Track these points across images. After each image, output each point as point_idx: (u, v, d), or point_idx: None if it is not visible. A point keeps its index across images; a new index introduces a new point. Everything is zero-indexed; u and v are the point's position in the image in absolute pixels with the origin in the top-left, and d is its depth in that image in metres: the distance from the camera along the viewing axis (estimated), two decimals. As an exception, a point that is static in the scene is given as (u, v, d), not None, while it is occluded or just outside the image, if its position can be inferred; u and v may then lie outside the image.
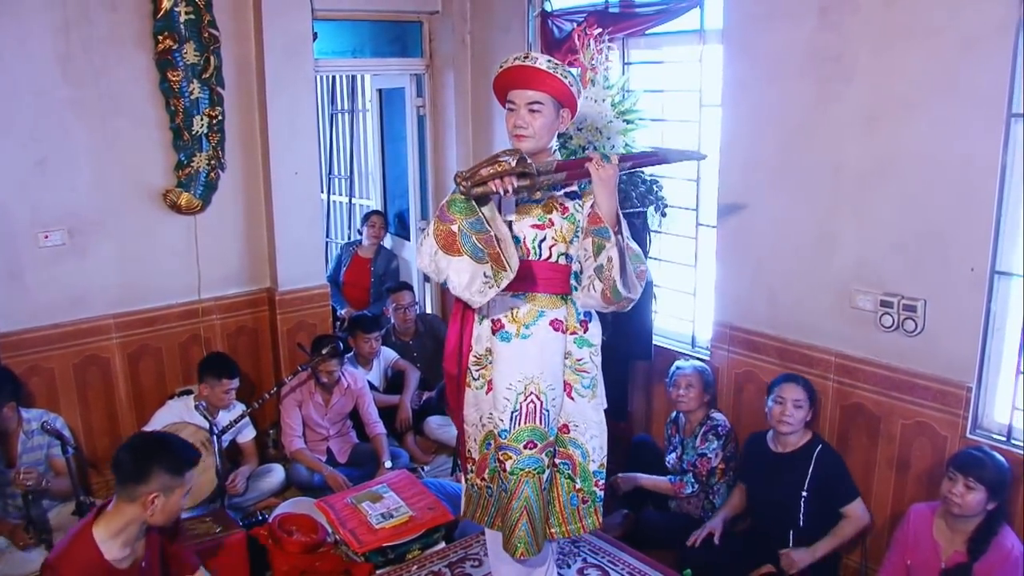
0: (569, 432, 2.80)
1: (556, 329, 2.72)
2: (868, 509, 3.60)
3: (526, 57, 2.63)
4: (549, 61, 2.63)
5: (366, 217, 6.24)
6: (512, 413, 2.69)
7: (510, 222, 2.66)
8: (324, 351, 4.48)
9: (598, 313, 2.79)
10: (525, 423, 2.69)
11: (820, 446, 3.59)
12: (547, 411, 2.71)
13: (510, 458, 2.69)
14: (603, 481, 2.87)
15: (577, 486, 2.82)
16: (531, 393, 2.69)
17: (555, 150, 2.75)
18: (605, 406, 2.87)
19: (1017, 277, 3.17)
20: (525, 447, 2.69)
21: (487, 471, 2.85)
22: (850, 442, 3.68)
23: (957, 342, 3.30)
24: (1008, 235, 3.17)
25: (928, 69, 3.22)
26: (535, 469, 2.71)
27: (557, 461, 2.80)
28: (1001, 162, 3.09)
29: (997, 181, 3.10)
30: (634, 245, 2.67)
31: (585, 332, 2.77)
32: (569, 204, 2.68)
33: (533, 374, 2.69)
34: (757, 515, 3.81)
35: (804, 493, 3.53)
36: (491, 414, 2.76)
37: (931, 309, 3.35)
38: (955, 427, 3.32)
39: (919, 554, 3.17)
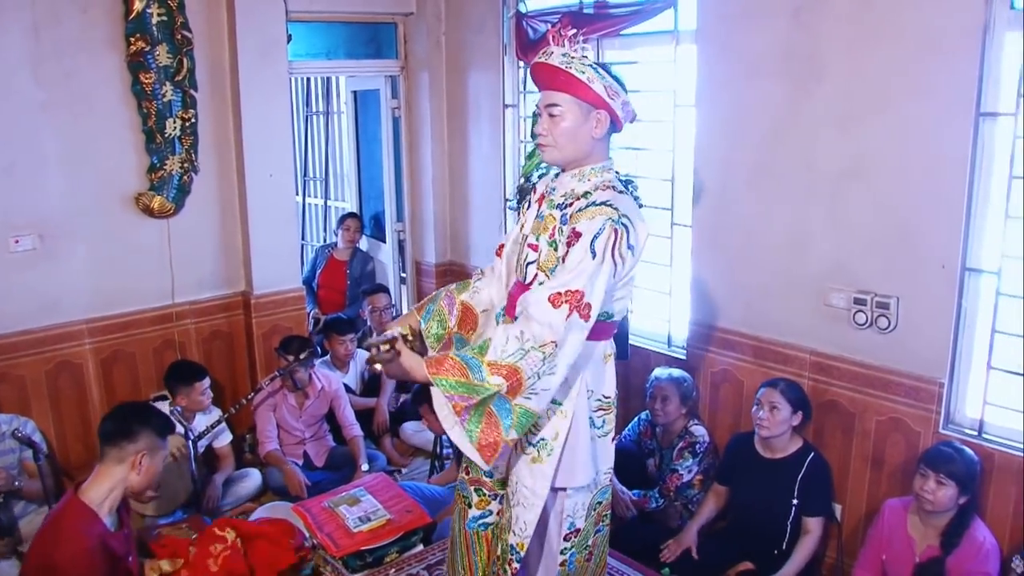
0: (507, 487, 2.51)
1: None
2: (841, 513, 3.66)
3: (543, 52, 2.33)
4: (565, 55, 2.29)
5: (341, 220, 6.22)
6: None
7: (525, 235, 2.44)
8: (302, 355, 4.46)
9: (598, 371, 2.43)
10: None
11: (812, 454, 3.59)
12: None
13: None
14: (517, 564, 2.46)
15: (498, 552, 2.55)
16: None
17: (604, 168, 2.38)
18: (562, 484, 2.41)
19: (987, 273, 3.21)
20: (464, 470, 2.64)
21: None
22: (825, 439, 3.71)
23: (929, 338, 3.33)
24: (977, 232, 3.21)
25: (899, 69, 3.26)
26: (464, 496, 2.64)
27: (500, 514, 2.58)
28: (970, 160, 3.13)
29: (966, 179, 3.14)
30: (468, 391, 2.13)
31: None
32: (558, 229, 2.33)
33: None
34: (741, 517, 3.78)
35: (795, 500, 3.54)
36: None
37: (903, 306, 3.38)
38: (928, 423, 3.36)
39: (894, 549, 3.20)
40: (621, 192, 2.33)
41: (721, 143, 3.93)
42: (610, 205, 2.24)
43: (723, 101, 3.89)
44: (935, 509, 3.05)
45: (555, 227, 2.33)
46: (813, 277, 3.66)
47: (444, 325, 2.59)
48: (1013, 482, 3.14)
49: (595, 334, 2.34)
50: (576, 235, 2.21)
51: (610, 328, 2.44)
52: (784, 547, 3.54)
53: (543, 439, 2.38)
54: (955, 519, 3.06)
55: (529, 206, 2.56)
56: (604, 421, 2.48)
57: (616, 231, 2.20)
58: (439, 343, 2.60)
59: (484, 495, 2.59)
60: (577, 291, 2.15)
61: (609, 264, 2.20)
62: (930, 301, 3.30)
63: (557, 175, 2.49)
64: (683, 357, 4.28)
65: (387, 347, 2.18)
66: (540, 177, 3.44)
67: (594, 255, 2.17)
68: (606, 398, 2.47)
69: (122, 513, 2.86)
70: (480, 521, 2.61)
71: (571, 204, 2.31)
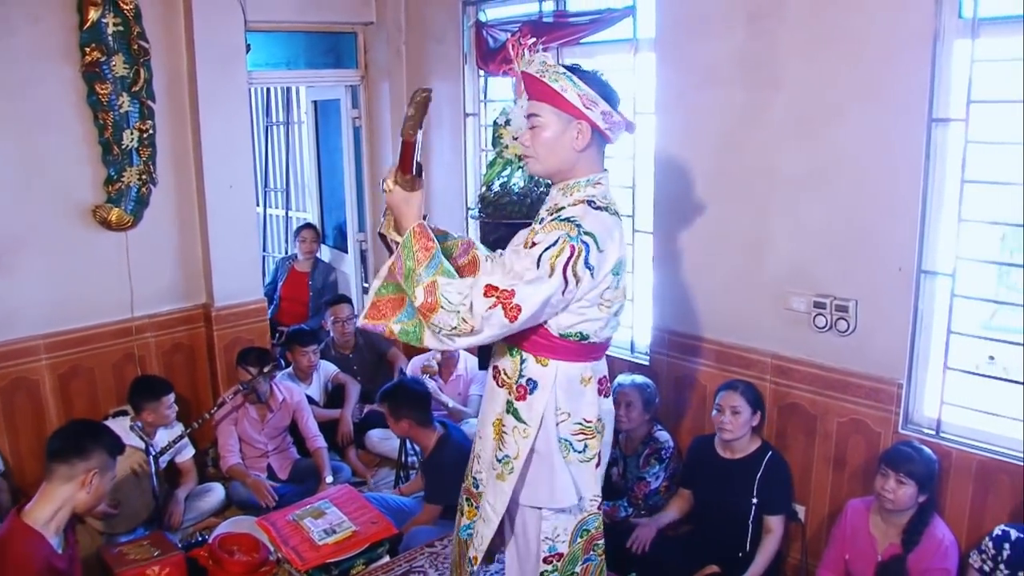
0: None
1: (495, 378, 2.46)
2: (805, 513, 3.71)
3: (524, 60, 2.30)
4: (542, 63, 2.25)
5: (298, 231, 6.19)
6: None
7: None
8: (265, 369, 4.42)
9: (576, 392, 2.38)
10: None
11: (770, 453, 3.63)
12: (473, 454, 2.59)
13: None
14: None
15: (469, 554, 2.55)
16: (477, 429, 2.60)
17: (588, 183, 2.31)
18: (526, 502, 2.41)
19: (942, 276, 3.27)
20: (464, 479, 2.65)
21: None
22: (787, 441, 3.75)
23: (887, 340, 3.39)
24: (932, 235, 3.27)
25: (853, 76, 3.31)
26: (460, 503, 2.65)
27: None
28: (924, 165, 3.19)
29: (921, 184, 3.20)
30: (411, 263, 2.24)
31: (518, 400, 2.35)
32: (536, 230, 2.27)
33: (482, 412, 2.55)
34: (704, 519, 3.80)
35: (754, 500, 3.57)
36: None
37: (862, 309, 3.43)
38: (888, 423, 3.41)
39: (856, 548, 3.24)
40: (598, 209, 2.26)
41: (681, 150, 3.97)
42: (573, 221, 2.19)
43: (682, 108, 3.94)
44: (896, 508, 3.10)
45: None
46: (773, 281, 3.70)
47: (450, 255, 2.53)
48: (970, 480, 3.20)
49: (568, 355, 2.34)
50: (532, 245, 2.20)
51: (587, 350, 2.37)
52: (748, 548, 3.57)
53: (507, 456, 2.36)
54: (915, 517, 3.11)
55: None
56: (586, 446, 2.40)
57: (573, 248, 2.15)
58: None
59: (472, 505, 2.57)
60: (509, 291, 2.14)
61: (558, 280, 2.15)
62: (888, 303, 3.36)
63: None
64: (646, 363, 4.31)
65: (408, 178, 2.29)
66: (502, 186, 3.45)
67: (538, 266, 2.14)
68: (587, 422, 2.39)
69: (68, 533, 2.80)
70: (468, 531, 2.60)
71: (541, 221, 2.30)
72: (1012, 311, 3.44)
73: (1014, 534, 2.90)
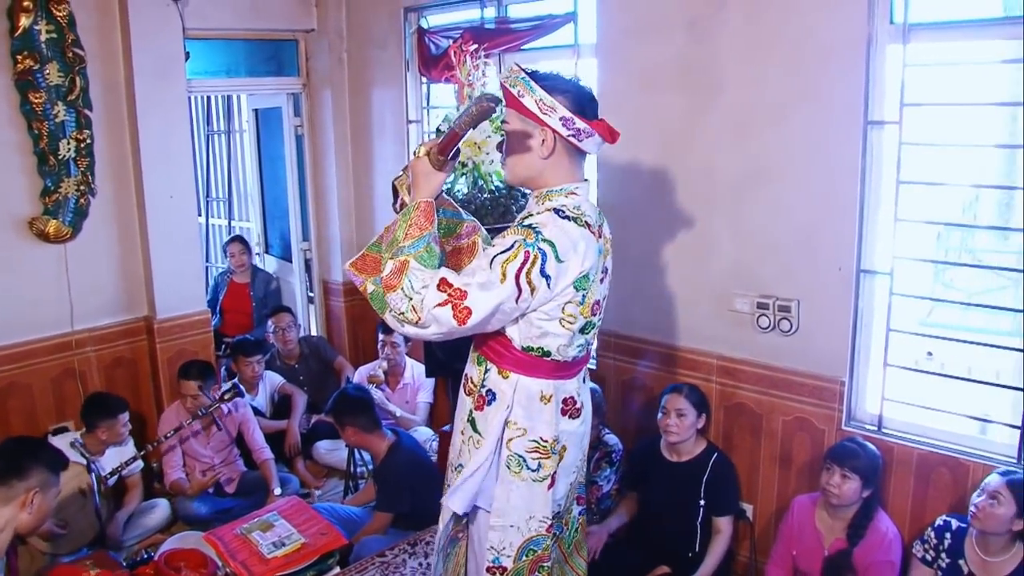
0: None
1: (463, 386, 2.45)
2: (753, 512, 3.76)
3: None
4: (509, 68, 2.21)
5: (226, 245, 6.11)
6: None
7: None
8: (226, 394, 4.35)
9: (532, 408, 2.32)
10: None
11: (716, 454, 3.66)
12: (453, 466, 2.51)
13: None
14: None
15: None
16: None
17: (571, 191, 2.26)
18: (456, 509, 2.38)
19: (881, 275, 3.34)
20: None
21: None
22: (734, 441, 3.80)
23: (829, 339, 3.45)
24: (870, 235, 3.34)
25: (791, 80, 3.38)
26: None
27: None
28: (861, 167, 3.26)
29: (858, 185, 3.27)
30: (401, 233, 2.18)
31: (476, 409, 2.34)
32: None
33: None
34: (653, 521, 3.80)
35: (701, 501, 3.59)
36: None
37: (804, 309, 3.50)
38: (831, 420, 3.47)
39: (803, 544, 3.30)
40: (566, 218, 2.19)
41: (623, 154, 3.99)
42: (533, 228, 2.14)
43: (624, 113, 3.94)
44: (841, 503, 3.16)
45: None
46: (717, 283, 3.75)
47: (453, 231, 2.50)
48: (911, 473, 3.28)
49: (530, 370, 2.31)
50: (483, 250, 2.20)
51: (550, 368, 2.32)
52: (697, 548, 3.60)
53: (461, 465, 2.38)
54: (860, 512, 3.17)
55: None
56: (540, 465, 2.34)
57: (527, 254, 2.10)
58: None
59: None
60: (462, 291, 2.10)
61: (510, 286, 2.10)
62: (829, 303, 3.42)
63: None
64: (593, 366, 4.33)
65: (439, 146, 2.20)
66: (447, 192, 3.45)
67: (491, 267, 2.11)
68: (544, 441, 2.33)
69: (11, 557, 2.71)
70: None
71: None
72: (948, 308, 3.55)
73: (955, 523, 2.98)
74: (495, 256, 2.12)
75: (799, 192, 3.43)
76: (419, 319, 2.12)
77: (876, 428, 3.40)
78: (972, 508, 2.86)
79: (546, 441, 2.33)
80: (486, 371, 2.34)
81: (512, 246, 2.12)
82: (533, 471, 2.35)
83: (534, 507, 2.36)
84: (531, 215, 2.25)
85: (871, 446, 3.22)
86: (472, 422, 2.35)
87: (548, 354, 2.28)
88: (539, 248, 2.11)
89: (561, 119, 2.18)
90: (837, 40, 3.23)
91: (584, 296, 2.24)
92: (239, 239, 6.15)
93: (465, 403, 2.42)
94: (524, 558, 2.42)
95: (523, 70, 2.21)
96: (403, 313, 2.14)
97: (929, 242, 3.59)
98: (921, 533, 3.11)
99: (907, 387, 3.36)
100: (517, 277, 2.10)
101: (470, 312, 2.10)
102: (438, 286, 2.11)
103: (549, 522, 2.40)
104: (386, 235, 2.27)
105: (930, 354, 3.42)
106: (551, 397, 2.33)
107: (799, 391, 3.56)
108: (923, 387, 3.34)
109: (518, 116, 2.21)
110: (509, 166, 2.27)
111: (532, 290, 2.13)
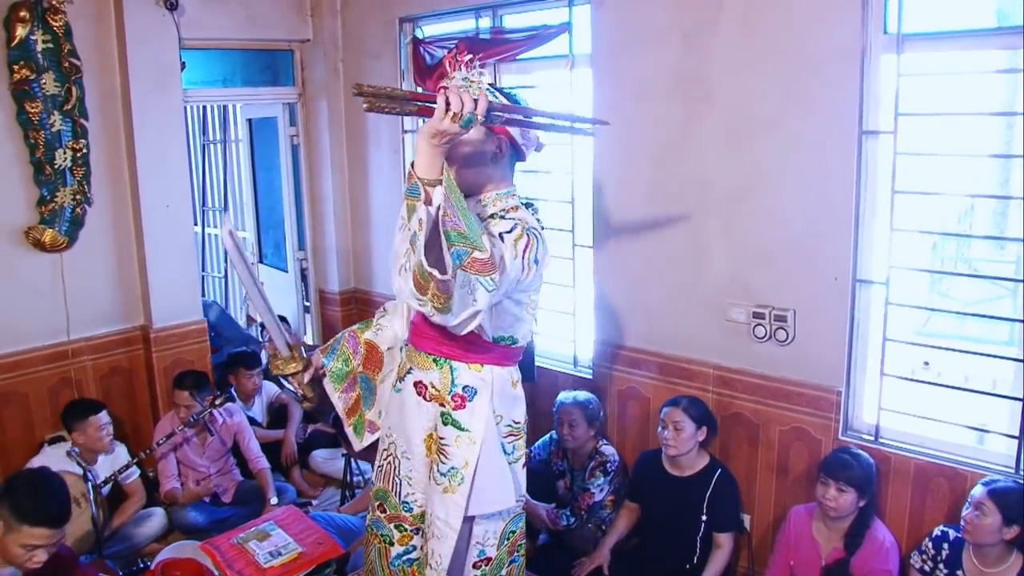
0: (423, 520, 2.48)
1: (420, 394, 2.40)
2: (750, 522, 3.76)
3: (447, 77, 2.26)
4: (464, 79, 2.21)
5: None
6: (378, 466, 2.55)
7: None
8: (217, 400, 4.34)
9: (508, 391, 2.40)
10: (382, 482, 2.53)
11: (720, 470, 3.63)
12: (398, 480, 2.48)
13: (369, 511, 2.59)
14: None
15: None
16: (391, 453, 2.50)
17: (509, 193, 2.32)
18: (475, 511, 2.38)
19: (876, 284, 3.34)
20: (378, 508, 2.56)
21: None
22: (731, 451, 3.80)
23: (826, 349, 3.45)
24: (866, 245, 3.35)
25: (785, 90, 3.38)
26: (382, 535, 2.56)
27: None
28: (856, 177, 3.26)
29: (853, 194, 3.28)
30: (466, 225, 1.97)
31: (457, 409, 2.34)
32: None
33: (396, 434, 2.48)
34: (652, 535, 3.80)
35: (703, 516, 3.58)
36: None
37: (800, 318, 3.50)
38: (828, 430, 3.47)
39: (801, 554, 3.29)
40: (534, 214, 2.35)
41: (618, 164, 4.01)
42: (521, 217, 2.24)
43: (619, 123, 3.96)
44: (838, 515, 3.16)
45: None
46: (713, 293, 3.75)
47: (348, 363, 2.59)
48: (908, 483, 3.28)
49: (499, 359, 2.38)
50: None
51: (515, 353, 2.45)
52: (695, 561, 3.59)
53: (453, 468, 2.34)
54: (856, 521, 3.17)
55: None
56: (515, 447, 2.46)
57: (528, 236, 2.18)
58: (343, 381, 2.60)
59: (406, 530, 2.54)
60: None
61: (519, 261, 2.14)
62: (825, 313, 3.43)
63: None
64: (590, 377, 4.33)
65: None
66: None
67: (503, 241, 2.13)
68: (516, 423, 2.46)
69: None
70: (405, 558, 2.56)
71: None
72: (945, 317, 3.55)
73: (952, 534, 2.98)
74: (502, 234, 2.15)
75: (794, 202, 3.44)
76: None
77: (873, 438, 3.40)
78: (962, 521, 2.86)
79: (518, 423, 2.47)
80: (452, 371, 2.36)
81: (514, 227, 2.17)
82: (510, 454, 2.45)
83: (518, 488, 2.46)
84: (504, 211, 2.29)
85: (865, 455, 3.22)
86: (454, 423, 2.35)
87: (515, 341, 2.39)
88: (534, 234, 2.21)
89: (521, 130, 2.30)
90: (831, 50, 3.24)
91: (540, 284, 2.36)
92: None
93: (426, 410, 2.40)
94: (505, 543, 2.51)
95: (482, 80, 2.25)
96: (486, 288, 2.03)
97: (925, 252, 3.60)
98: (919, 544, 3.11)
99: (904, 397, 3.37)
100: (524, 256, 2.16)
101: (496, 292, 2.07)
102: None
103: (524, 500, 2.55)
104: (452, 214, 1.98)
105: (927, 364, 3.43)
106: (517, 381, 2.47)
107: (796, 401, 3.56)
108: (920, 397, 3.34)
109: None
110: (463, 174, 2.22)
111: (528, 272, 2.19)
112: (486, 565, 2.47)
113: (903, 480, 3.29)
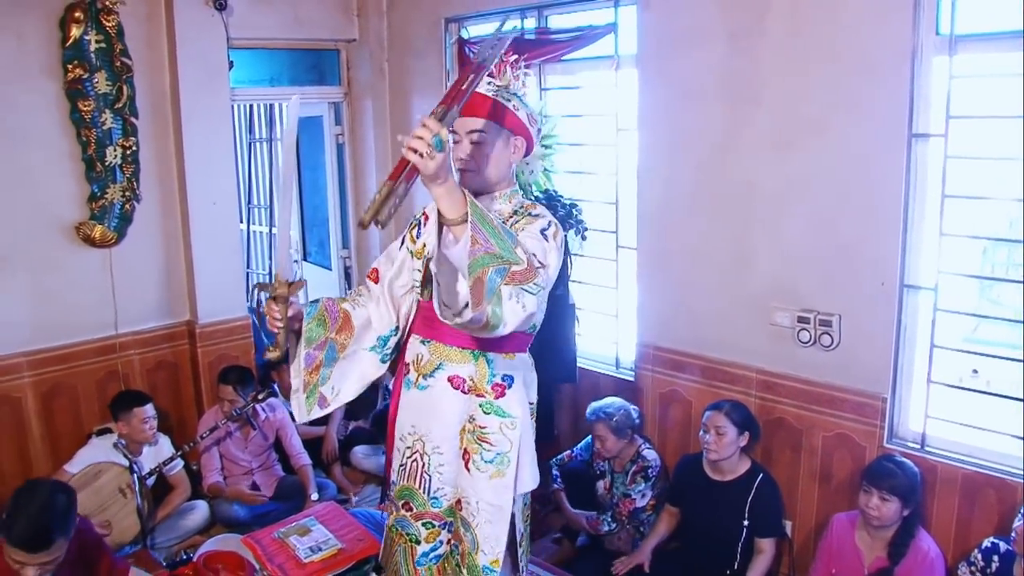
0: (461, 509, 2.48)
1: (456, 387, 2.42)
2: (791, 528, 3.72)
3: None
4: (490, 83, 2.34)
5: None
6: (400, 466, 2.54)
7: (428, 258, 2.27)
8: (261, 395, 4.39)
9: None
10: (407, 481, 2.52)
11: (761, 475, 3.60)
12: (428, 476, 2.48)
13: (390, 512, 2.59)
14: None
15: None
16: (416, 451, 2.49)
17: (517, 190, 2.43)
18: (519, 491, 2.47)
19: (924, 290, 3.29)
20: (403, 507, 2.55)
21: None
22: (773, 456, 3.76)
23: (871, 355, 3.40)
24: (914, 250, 3.30)
25: (834, 92, 3.34)
26: (408, 535, 2.55)
27: (452, 542, 2.54)
28: (905, 180, 3.22)
29: (902, 198, 3.23)
30: (498, 244, 1.96)
31: (498, 398, 2.41)
32: None
33: (422, 431, 2.47)
34: (692, 539, 3.79)
35: (745, 521, 3.55)
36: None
37: (846, 323, 3.45)
38: (873, 437, 3.42)
39: (843, 562, 3.25)
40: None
41: (663, 166, 3.99)
42: (543, 213, 2.36)
43: (664, 124, 3.96)
44: (881, 524, 3.11)
45: None
46: (757, 296, 3.72)
47: (324, 327, 2.51)
48: (956, 493, 3.22)
49: (523, 346, 2.49)
50: (522, 231, 2.26)
51: (530, 339, 2.53)
52: (736, 567, 3.56)
53: (500, 453, 2.40)
54: (900, 530, 3.12)
55: (419, 230, 2.53)
56: (532, 426, 2.55)
57: (558, 229, 2.33)
58: (313, 344, 2.50)
59: (433, 526, 2.54)
60: (537, 256, 2.15)
61: (557, 252, 2.27)
62: (871, 318, 3.38)
63: None
64: (631, 379, 4.31)
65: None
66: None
67: (545, 239, 2.25)
68: (532, 404, 2.55)
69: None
70: (432, 555, 2.56)
71: (504, 223, 2.25)
72: (994, 324, 3.48)
73: (1003, 547, 2.92)
74: (543, 231, 2.27)
75: (841, 205, 3.39)
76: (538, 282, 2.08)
77: (919, 446, 3.35)
78: (1013, 533, 2.80)
79: (533, 404, 2.55)
80: (489, 363, 2.42)
81: (549, 223, 2.31)
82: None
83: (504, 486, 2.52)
84: (522, 207, 2.39)
85: (909, 463, 3.17)
86: (497, 411, 2.41)
87: (535, 327, 2.44)
88: (560, 226, 2.35)
89: (537, 130, 2.48)
90: (881, 52, 3.19)
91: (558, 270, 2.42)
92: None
93: (463, 404, 2.43)
94: (526, 515, 2.63)
95: (508, 86, 2.42)
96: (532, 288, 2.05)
97: (975, 257, 3.53)
98: (967, 555, 3.05)
99: (951, 405, 3.31)
100: (560, 249, 2.30)
101: (546, 270, 2.18)
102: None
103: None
104: (482, 241, 1.97)
105: (975, 371, 3.36)
106: (532, 364, 2.57)
107: (840, 407, 3.51)
108: (968, 405, 3.28)
109: (496, 126, 2.33)
110: (482, 170, 2.33)
111: (559, 264, 2.31)
112: (524, 543, 2.57)
113: (950, 490, 3.24)
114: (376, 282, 2.62)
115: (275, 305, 2.32)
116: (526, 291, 2.02)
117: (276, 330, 2.33)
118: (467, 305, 2.00)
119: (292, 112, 2.44)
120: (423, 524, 2.54)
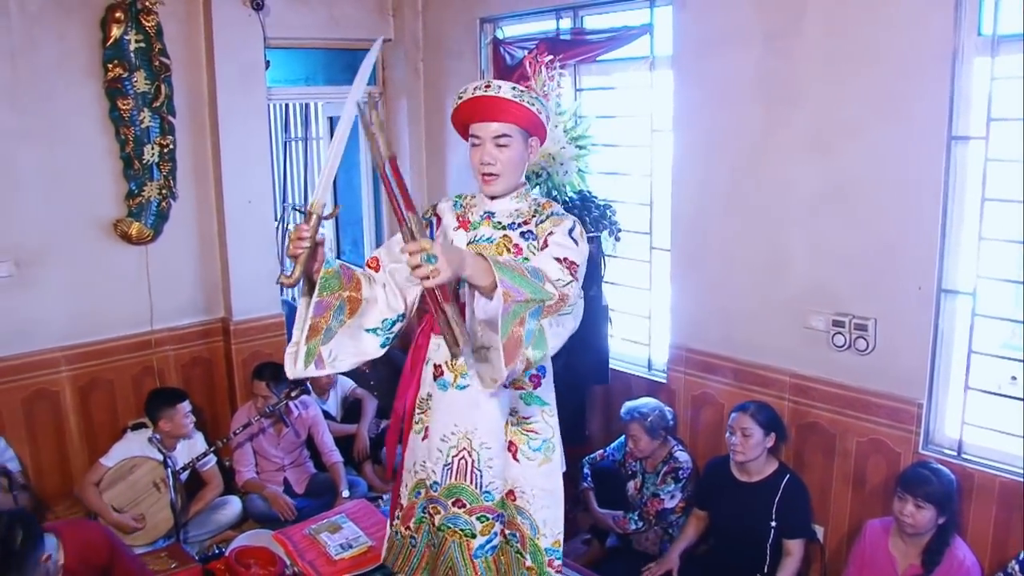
0: (515, 500, 2.56)
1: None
2: (824, 534, 3.68)
3: (487, 87, 2.39)
4: (514, 88, 2.38)
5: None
6: (444, 466, 2.54)
7: None
8: (293, 392, 4.42)
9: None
10: (455, 479, 2.53)
11: (788, 476, 3.58)
12: (479, 471, 2.51)
13: (439, 512, 2.59)
14: (559, 561, 2.60)
15: (527, 563, 2.57)
16: (463, 448, 2.51)
17: (529, 190, 2.50)
18: (564, 470, 2.61)
19: (963, 295, 3.24)
20: (453, 504, 2.56)
21: (413, 520, 2.68)
22: (806, 460, 3.73)
23: (907, 359, 3.36)
24: (952, 254, 3.25)
25: (872, 94, 3.30)
26: (463, 530, 2.56)
27: (507, 532, 2.60)
28: (944, 183, 3.17)
29: (940, 202, 3.19)
30: (528, 289, 2.01)
31: (536, 389, 2.52)
32: (523, 245, 2.40)
33: (467, 428, 2.50)
34: (721, 541, 3.78)
35: (773, 522, 3.53)
36: (424, 463, 2.59)
37: (881, 328, 3.41)
38: (908, 443, 3.38)
39: (876, 569, 3.21)
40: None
41: (698, 167, 3.96)
42: (563, 212, 2.44)
43: (700, 126, 3.93)
44: (915, 531, 3.07)
45: (514, 244, 2.40)
46: (792, 299, 3.68)
47: (340, 282, 2.47)
48: (993, 502, 3.17)
49: None
50: (551, 234, 2.34)
51: None
52: (766, 570, 3.54)
53: (545, 440, 2.53)
54: (935, 538, 3.08)
55: (431, 231, 2.61)
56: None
57: (580, 227, 2.39)
58: (324, 292, 2.42)
59: (487, 519, 2.57)
60: (570, 260, 2.24)
61: (585, 247, 2.33)
62: (907, 322, 3.33)
63: (457, 201, 2.65)
64: (663, 380, 4.29)
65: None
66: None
67: (576, 243, 2.31)
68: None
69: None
70: (488, 546, 2.59)
71: (526, 222, 2.42)
72: (1034, 331, 3.41)
73: (1040, 558, 2.87)
74: (571, 232, 2.34)
75: (879, 208, 3.35)
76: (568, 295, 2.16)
77: (956, 453, 3.30)
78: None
79: (550, 403, 2.60)
80: None
81: (574, 224, 2.38)
82: None
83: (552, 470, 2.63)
84: (539, 206, 2.46)
85: (945, 470, 3.12)
86: (538, 400, 2.53)
87: None
88: (579, 224, 2.41)
89: (547, 117, 2.50)
90: (921, 53, 3.15)
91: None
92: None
93: (504, 399, 2.50)
94: None
95: (530, 90, 2.48)
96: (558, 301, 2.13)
97: (1015, 262, 3.46)
98: (1004, 565, 3.00)
99: (989, 411, 3.26)
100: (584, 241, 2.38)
101: (578, 267, 2.26)
102: (558, 261, 2.24)
103: None
104: (514, 295, 2.01)
105: (1014, 378, 3.30)
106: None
107: (875, 412, 3.47)
108: (1007, 412, 3.22)
109: (519, 130, 2.38)
110: (507, 174, 2.40)
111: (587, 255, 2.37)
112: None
113: (987, 498, 3.18)
114: (376, 270, 2.61)
115: (306, 224, 2.26)
116: (562, 315, 2.15)
117: (300, 251, 2.23)
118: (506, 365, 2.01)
119: (373, 52, 2.50)
120: (477, 518, 2.57)
